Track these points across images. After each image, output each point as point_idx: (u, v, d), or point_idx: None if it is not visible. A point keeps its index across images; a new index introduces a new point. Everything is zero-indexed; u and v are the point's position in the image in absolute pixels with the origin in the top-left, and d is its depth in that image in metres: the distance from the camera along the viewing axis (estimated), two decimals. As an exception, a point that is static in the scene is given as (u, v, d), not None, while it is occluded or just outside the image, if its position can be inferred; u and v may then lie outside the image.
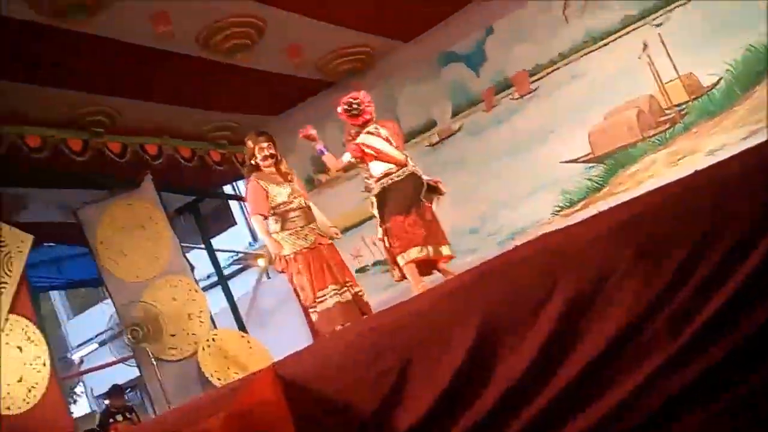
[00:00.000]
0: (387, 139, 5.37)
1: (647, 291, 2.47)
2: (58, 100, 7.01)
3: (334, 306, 5.32)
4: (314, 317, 5.40)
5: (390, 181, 5.30)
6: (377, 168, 5.35)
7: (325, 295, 5.34)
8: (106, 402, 9.53)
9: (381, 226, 5.31)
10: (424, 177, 5.35)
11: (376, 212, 5.33)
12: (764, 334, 2.36)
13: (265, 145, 5.53)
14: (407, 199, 5.25)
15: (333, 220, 5.89)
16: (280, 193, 5.45)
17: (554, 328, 2.54)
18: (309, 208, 5.55)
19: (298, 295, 5.55)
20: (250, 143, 5.57)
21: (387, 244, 5.30)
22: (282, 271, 5.50)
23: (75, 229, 8.29)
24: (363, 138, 5.39)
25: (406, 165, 5.33)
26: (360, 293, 5.52)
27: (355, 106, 5.39)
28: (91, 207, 8.23)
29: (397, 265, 5.30)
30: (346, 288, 5.43)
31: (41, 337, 6.65)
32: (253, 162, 5.57)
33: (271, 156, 5.53)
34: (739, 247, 2.42)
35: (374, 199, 5.32)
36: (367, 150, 5.34)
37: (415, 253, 5.19)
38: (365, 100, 5.44)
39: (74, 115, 7.42)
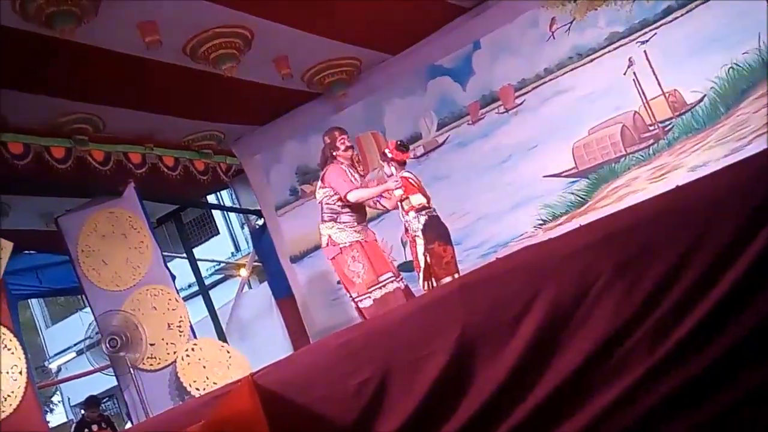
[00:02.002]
0: (418, 182, 6.10)
1: (627, 304, 2.48)
2: (41, 107, 6.96)
3: (395, 291, 5.84)
4: (368, 303, 5.84)
5: (432, 213, 5.98)
6: (416, 199, 5.98)
7: (385, 281, 5.87)
8: (82, 412, 9.44)
9: (425, 245, 5.88)
10: None
11: (420, 234, 5.89)
12: (743, 347, 2.37)
13: (346, 137, 6.15)
14: (445, 233, 5.97)
15: (317, 230, 6.14)
16: (384, 201, 6.12)
17: (533, 340, 2.53)
18: (364, 207, 6.14)
19: (345, 286, 6.08)
20: (335, 133, 6.16)
21: (429, 261, 5.85)
22: (332, 258, 6.01)
23: (55, 237, 8.23)
24: (406, 174, 6.07)
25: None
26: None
27: (405, 144, 6.26)
28: (73, 215, 8.17)
29: (435, 280, 5.85)
30: (401, 277, 6.00)
31: (18, 346, 6.58)
32: (333, 153, 6.09)
33: (351, 147, 6.15)
34: (718, 262, 2.43)
35: (422, 224, 5.91)
36: (410, 181, 6.03)
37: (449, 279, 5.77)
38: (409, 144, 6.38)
39: (58, 123, 7.36)
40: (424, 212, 5.95)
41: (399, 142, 6.19)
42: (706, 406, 2.39)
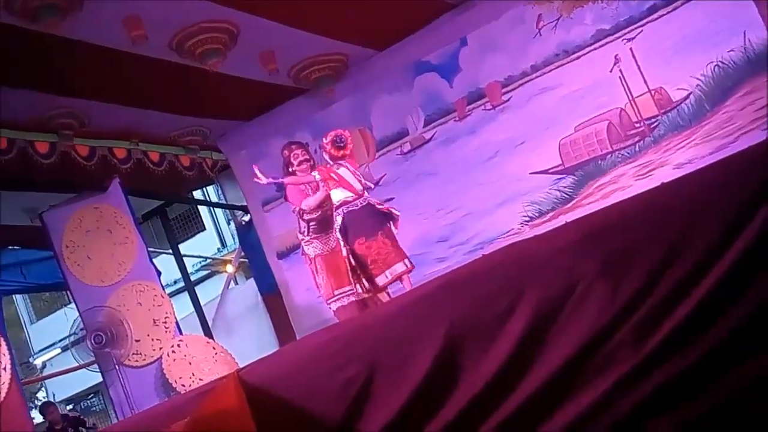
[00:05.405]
0: (353, 174, 6.17)
1: (613, 300, 2.48)
2: (25, 102, 6.91)
3: (349, 304, 5.95)
4: (334, 307, 6.06)
5: (347, 210, 6.05)
6: (336, 195, 6.05)
7: (341, 294, 5.99)
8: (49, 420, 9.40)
9: (345, 247, 6.00)
10: (378, 206, 6.19)
11: (339, 236, 6.02)
12: (729, 344, 2.38)
13: (299, 152, 6.14)
14: (370, 226, 6.02)
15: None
16: (307, 200, 5.99)
17: (520, 336, 2.54)
18: (331, 216, 6.07)
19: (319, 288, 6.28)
20: (292, 147, 6.22)
21: (353, 263, 5.99)
22: (308, 266, 6.20)
23: (40, 233, 8.18)
24: (334, 167, 6.14)
25: (362, 196, 6.10)
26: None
27: (342, 140, 6.16)
28: (58, 210, 8.14)
29: (370, 282, 5.98)
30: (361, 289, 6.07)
31: (3, 342, 6.54)
32: (290, 170, 6.13)
33: (306, 161, 6.09)
34: (704, 259, 2.44)
35: (339, 224, 6.05)
36: (332, 175, 6.04)
37: (401, 267, 5.97)
38: (349, 138, 6.27)
39: (42, 117, 7.31)
40: (342, 209, 6.05)
41: (336, 138, 6.18)
42: (692, 403, 2.40)
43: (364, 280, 6.03)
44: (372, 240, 5.99)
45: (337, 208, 6.06)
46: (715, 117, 7.01)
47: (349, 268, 6.00)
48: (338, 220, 6.04)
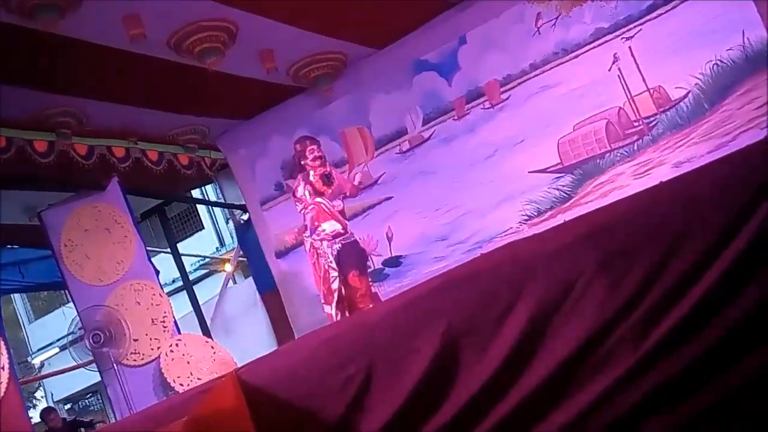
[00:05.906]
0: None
1: (612, 299, 2.48)
2: (23, 101, 6.90)
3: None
4: (329, 309, 6.20)
5: (344, 241, 6.18)
6: (330, 226, 6.20)
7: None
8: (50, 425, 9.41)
9: (339, 277, 6.11)
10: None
11: (334, 266, 6.12)
12: (727, 343, 2.38)
13: (314, 147, 6.31)
14: (361, 261, 6.27)
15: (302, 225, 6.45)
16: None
17: (519, 336, 2.54)
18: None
19: (318, 289, 6.39)
20: (306, 142, 6.37)
21: (344, 294, 6.10)
22: (312, 263, 6.36)
23: (38, 232, 8.18)
24: (319, 200, 6.25)
25: (348, 231, 6.27)
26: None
27: (331, 177, 6.26)
28: (56, 209, 8.13)
29: (349, 311, 6.10)
30: None
31: (1, 341, 6.54)
32: (302, 162, 6.31)
33: (320, 157, 6.29)
34: (702, 257, 2.44)
35: (335, 253, 6.16)
36: (324, 208, 6.22)
37: None
38: (337, 179, 6.41)
39: (40, 116, 7.30)
40: (338, 240, 6.15)
41: (326, 174, 6.27)
42: (690, 401, 2.40)
43: (347, 313, 6.13)
44: (363, 275, 6.20)
45: (332, 239, 6.18)
46: (714, 116, 7.00)
47: (337, 297, 6.11)
48: (329, 250, 6.16)
